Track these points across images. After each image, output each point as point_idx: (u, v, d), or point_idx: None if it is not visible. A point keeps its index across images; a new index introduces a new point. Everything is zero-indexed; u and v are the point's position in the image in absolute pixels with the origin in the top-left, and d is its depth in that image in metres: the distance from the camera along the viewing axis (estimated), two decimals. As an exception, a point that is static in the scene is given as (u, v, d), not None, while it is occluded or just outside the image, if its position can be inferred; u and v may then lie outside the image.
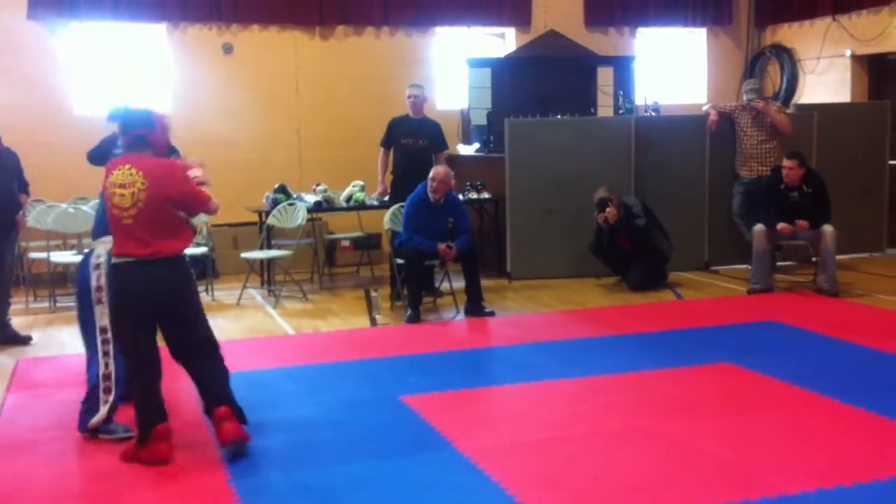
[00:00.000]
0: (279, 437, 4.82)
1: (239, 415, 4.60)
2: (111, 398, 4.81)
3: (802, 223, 8.29)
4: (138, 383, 4.53)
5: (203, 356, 4.61)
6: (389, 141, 8.90)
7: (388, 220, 8.53)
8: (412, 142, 8.77)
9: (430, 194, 7.77)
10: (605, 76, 11.08)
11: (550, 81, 10.70)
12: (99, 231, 4.97)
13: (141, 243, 4.39)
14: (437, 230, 7.75)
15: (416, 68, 11.10)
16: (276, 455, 4.54)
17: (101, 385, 4.80)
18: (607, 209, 8.68)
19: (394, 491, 4.10)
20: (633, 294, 8.64)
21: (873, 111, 10.62)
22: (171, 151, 5.51)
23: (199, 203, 4.55)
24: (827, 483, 4.02)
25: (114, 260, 4.49)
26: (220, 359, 4.69)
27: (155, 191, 4.37)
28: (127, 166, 4.42)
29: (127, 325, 4.51)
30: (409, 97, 8.88)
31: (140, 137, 4.51)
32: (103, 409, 4.79)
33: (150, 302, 4.44)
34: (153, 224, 4.39)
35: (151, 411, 4.48)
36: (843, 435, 4.67)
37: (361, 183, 9.36)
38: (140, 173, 4.38)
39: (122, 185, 4.40)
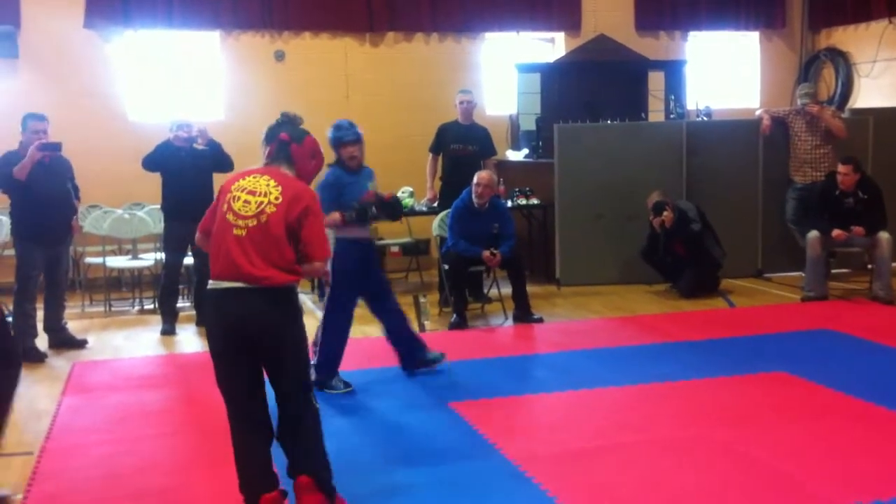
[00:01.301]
0: (327, 442, 4.83)
1: (324, 484, 3.87)
2: (317, 361, 5.65)
3: (858, 229, 8.16)
4: (235, 444, 3.85)
5: (291, 412, 3.85)
6: (438, 147, 8.93)
7: (436, 225, 8.54)
8: (461, 147, 8.78)
9: (474, 200, 7.76)
10: (656, 80, 11.00)
11: (600, 86, 10.64)
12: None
13: (247, 263, 3.67)
14: (482, 236, 7.74)
15: (465, 74, 11.12)
16: (331, 457, 4.55)
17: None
18: (664, 213, 8.61)
19: (441, 498, 4.10)
20: (684, 301, 8.57)
21: (931, 115, 10.40)
22: (368, 176, 5.89)
23: (315, 247, 3.76)
24: (883, 495, 3.94)
25: (211, 284, 3.78)
26: (309, 417, 3.88)
27: (286, 212, 3.70)
28: (266, 176, 3.81)
29: (225, 366, 3.80)
30: (462, 103, 8.89)
31: (283, 144, 3.89)
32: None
33: (250, 339, 3.71)
34: (267, 247, 3.68)
35: (252, 480, 3.81)
36: (899, 446, 4.59)
37: (410, 189, 9.38)
38: (279, 187, 3.74)
39: (252, 192, 3.74)
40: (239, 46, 10.70)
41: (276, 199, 3.71)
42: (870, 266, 8.64)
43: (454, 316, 7.70)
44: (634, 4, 11.88)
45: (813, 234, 8.34)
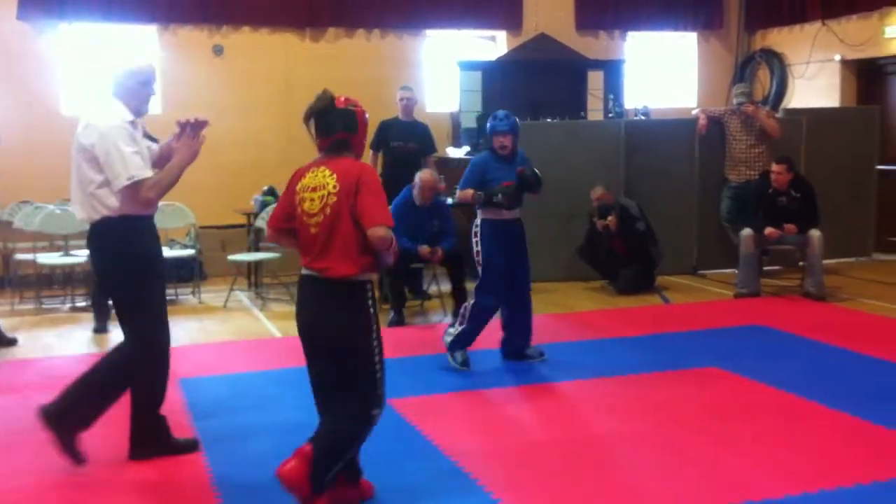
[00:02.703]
0: (265, 440, 4.81)
1: (319, 470, 3.64)
2: (460, 329, 6.10)
3: (790, 227, 8.31)
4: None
5: (336, 414, 3.77)
6: (379, 143, 8.88)
7: (377, 222, 8.49)
8: (402, 144, 8.76)
9: (416, 199, 7.76)
10: (595, 80, 11.11)
11: (541, 85, 10.70)
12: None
13: (318, 256, 3.74)
14: (422, 233, 7.74)
15: (406, 71, 11.10)
16: (262, 459, 4.48)
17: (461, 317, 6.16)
18: (609, 217, 8.67)
19: (379, 496, 4.08)
20: (620, 298, 8.65)
21: (862, 116, 10.67)
22: (521, 161, 6.31)
23: (367, 215, 3.67)
24: (811, 487, 4.03)
25: (303, 271, 3.85)
26: (351, 427, 3.76)
27: (345, 195, 3.70)
28: (321, 167, 3.81)
29: (304, 350, 3.88)
30: (401, 99, 8.87)
31: (341, 143, 3.88)
32: (450, 336, 6.14)
33: (311, 329, 3.80)
34: (333, 236, 3.71)
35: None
36: (828, 439, 4.68)
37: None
38: (334, 176, 3.75)
39: (314, 189, 3.76)
40: (177, 41, 10.55)
41: (334, 187, 3.73)
42: (802, 263, 8.80)
43: (391, 314, 7.68)
44: (575, 4, 11.98)
45: (746, 231, 8.48)
